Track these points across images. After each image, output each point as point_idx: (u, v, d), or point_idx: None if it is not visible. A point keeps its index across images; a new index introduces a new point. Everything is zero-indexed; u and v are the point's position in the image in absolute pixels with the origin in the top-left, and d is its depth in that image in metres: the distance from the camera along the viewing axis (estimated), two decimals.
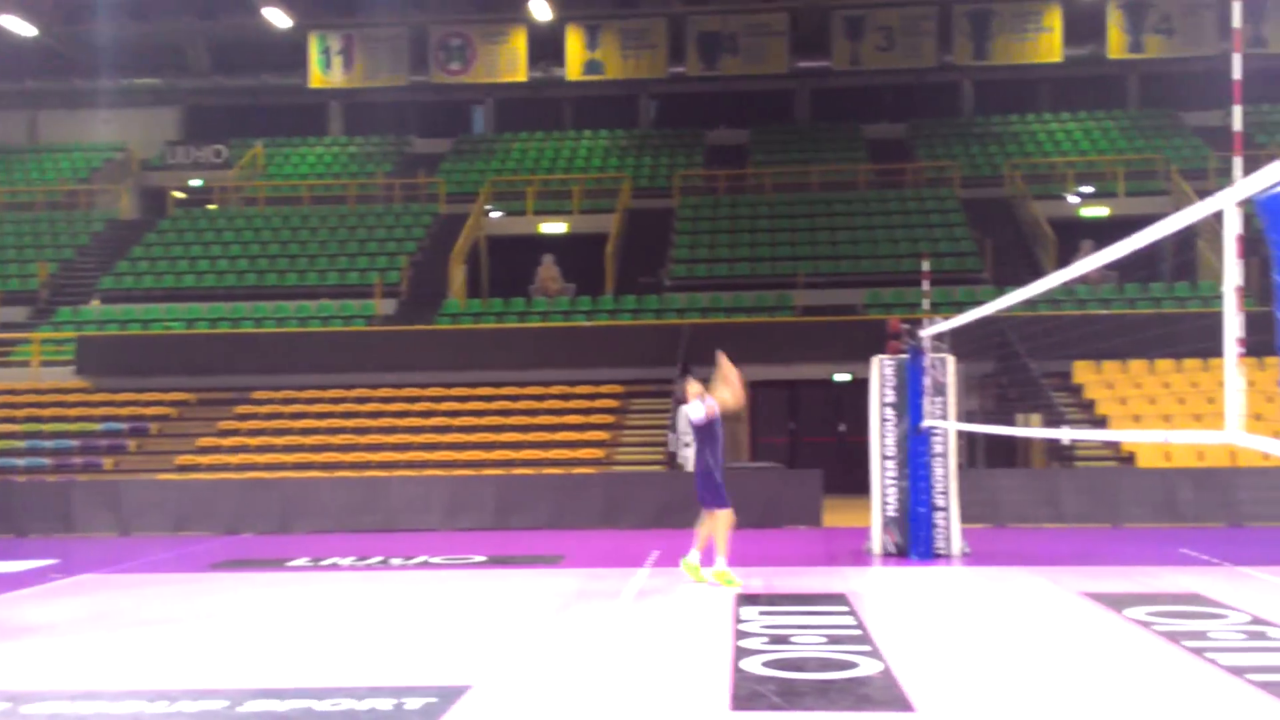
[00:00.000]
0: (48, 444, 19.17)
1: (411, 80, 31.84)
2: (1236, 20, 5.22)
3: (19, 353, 22.75)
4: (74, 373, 21.68)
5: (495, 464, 18.21)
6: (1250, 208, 4.76)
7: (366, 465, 18.24)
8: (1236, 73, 5.11)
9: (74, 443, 19.27)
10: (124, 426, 19.72)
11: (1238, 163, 5.13)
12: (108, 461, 18.92)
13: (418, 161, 32.26)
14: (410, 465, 18.16)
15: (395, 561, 13.11)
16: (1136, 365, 19.38)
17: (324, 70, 31.88)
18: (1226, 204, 5.10)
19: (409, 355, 21.35)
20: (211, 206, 29.95)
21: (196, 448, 18.96)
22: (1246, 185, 4.79)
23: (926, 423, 12.56)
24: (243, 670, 7.85)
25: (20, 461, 18.74)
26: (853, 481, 19.98)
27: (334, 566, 12.92)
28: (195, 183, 31.42)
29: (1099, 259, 7.64)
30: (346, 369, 21.17)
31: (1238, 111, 5.16)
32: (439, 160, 32.01)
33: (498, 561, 13.13)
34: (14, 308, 24.99)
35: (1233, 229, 5.14)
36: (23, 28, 29.34)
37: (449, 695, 6.88)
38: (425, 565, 12.92)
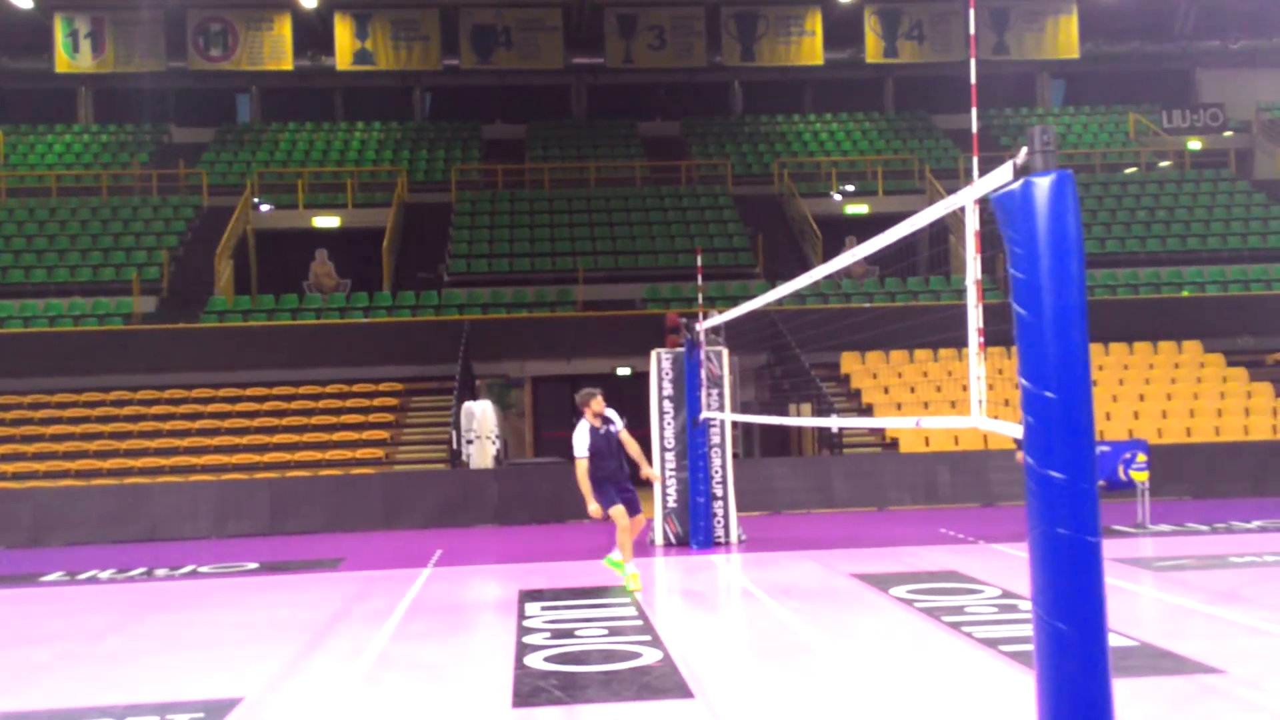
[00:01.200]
0: None
1: (169, 66, 30.29)
2: (972, 26, 5.58)
3: None
4: None
5: (268, 466, 17.57)
6: (989, 206, 5.08)
7: (127, 472, 17.27)
8: (973, 76, 5.46)
9: None
10: None
11: (975, 163, 5.46)
12: None
13: (177, 151, 30.71)
14: (175, 470, 17.32)
15: (160, 572, 12.49)
16: (897, 355, 20.43)
17: (72, 54, 29.96)
18: (966, 201, 5.43)
19: (172, 355, 20.34)
20: None
21: None
22: (983, 184, 5.12)
23: (704, 414, 12.89)
24: None
25: None
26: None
27: (93, 580, 12.19)
28: None
29: (858, 253, 8.01)
30: (102, 370, 20.00)
31: (974, 114, 5.51)
32: (201, 150, 30.57)
33: (272, 568, 12.69)
34: None
35: (972, 226, 5.48)
36: None
37: (218, 710, 6.62)
38: (194, 575, 12.35)
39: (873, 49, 32.06)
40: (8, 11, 28.88)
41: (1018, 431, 5.00)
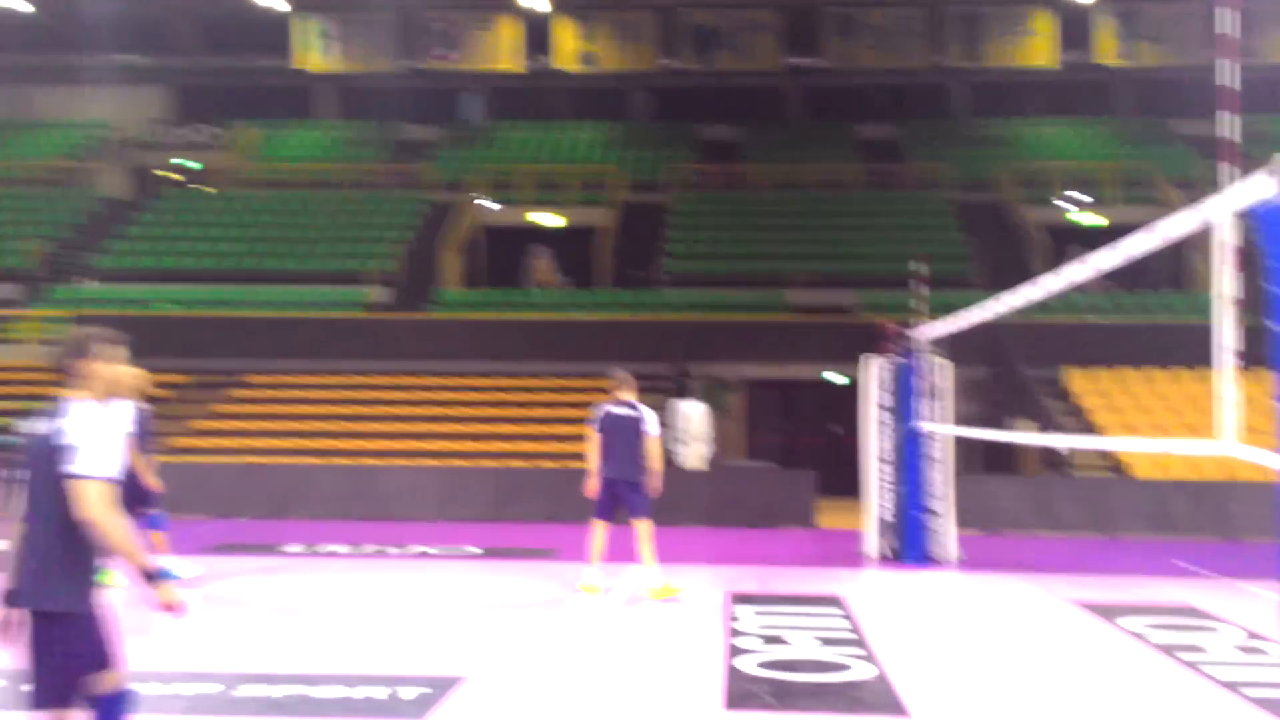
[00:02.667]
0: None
1: (401, 66, 31.73)
2: (1222, 25, 5.28)
3: (15, 330, 22.64)
4: None
5: (490, 455, 18.23)
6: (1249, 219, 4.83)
7: (361, 453, 18.24)
8: (1223, 78, 5.16)
9: None
10: None
11: (1224, 170, 5.17)
12: None
13: (409, 148, 32.16)
14: (404, 454, 18.18)
15: (391, 551, 13.17)
16: (1130, 374, 19.50)
17: (310, 53, 31.70)
18: (1219, 214, 5.15)
19: (403, 343, 21.35)
20: (207, 189, 29.79)
21: (191, 430, 18.93)
22: (1237, 196, 4.85)
23: (923, 426, 12.66)
24: (237, 654, 7.90)
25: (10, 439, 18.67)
26: (847, 483, 20.13)
27: (330, 554, 12.96)
28: (188, 163, 31.29)
29: (1091, 267, 7.71)
30: (341, 355, 21.16)
31: (1226, 118, 5.20)
32: (431, 147, 31.93)
33: (493, 554, 13.19)
34: (9, 284, 24.86)
35: (1224, 240, 5.19)
36: (20, 3, 29.15)
37: (442, 686, 6.95)
38: (422, 556, 12.97)
39: (1106, 50, 30.62)
40: (257, 12, 30.84)
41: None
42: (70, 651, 4.18)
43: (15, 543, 4.30)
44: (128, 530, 4.21)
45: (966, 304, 21.75)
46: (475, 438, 18.69)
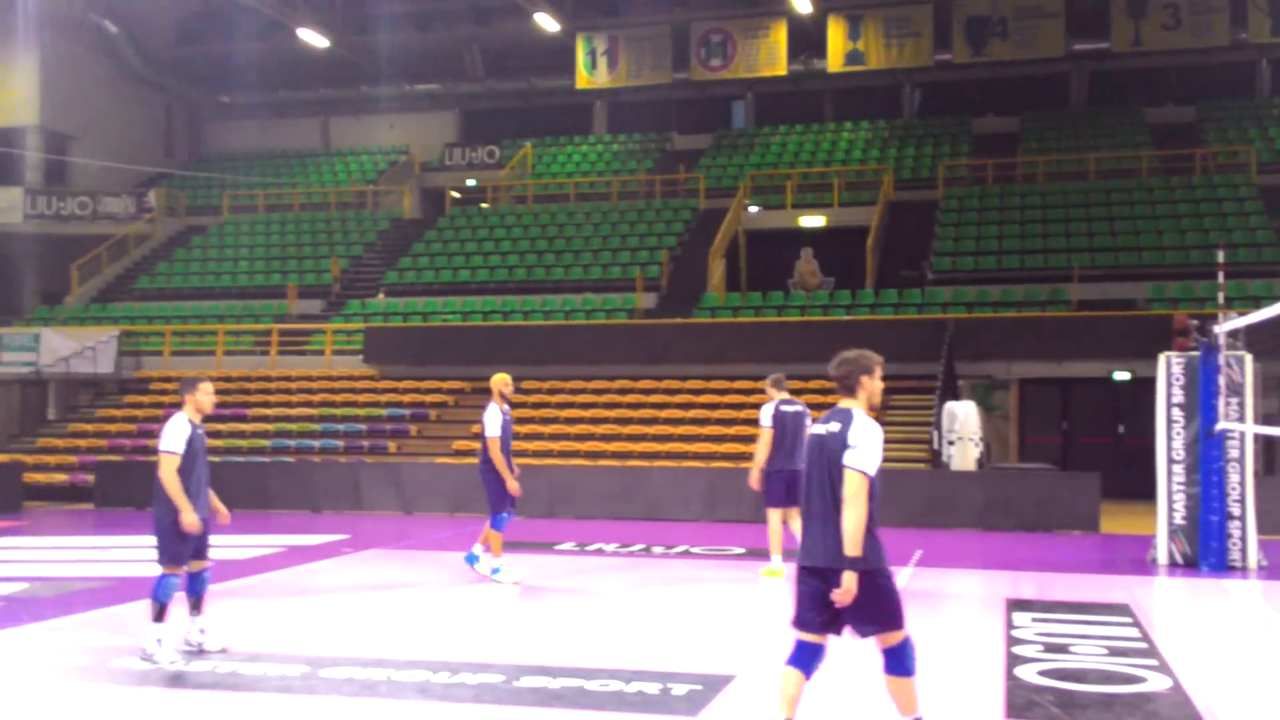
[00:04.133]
0: (339, 427, 20.59)
1: (673, 78, 32.29)
2: None
3: (315, 342, 24.53)
4: (362, 361, 23.19)
5: (752, 457, 18.17)
6: None
7: (628, 455, 18.63)
8: None
9: (362, 426, 20.63)
10: (406, 412, 20.94)
11: None
12: (392, 445, 20.14)
13: (678, 157, 32.70)
14: (670, 456, 18.43)
15: (657, 549, 13.35)
16: None
17: (589, 71, 32.78)
18: None
19: (668, 348, 21.66)
20: (484, 205, 31.33)
21: (472, 434, 19.87)
22: None
23: (1221, 425, 11.70)
24: (517, 646, 8.18)
25: (316, 443, 20.22)
26: (1131, 485, 18.91)
27: (599, 551, 13.28)
28: (470, 182, 33.00)
29: None
30: (609, 360, 21.69)
31: None
32: (699, 156, 32.33)
33: (756, 554, 13.12)
34: (310, 300, 26.97)
35: None
36: (318, 40, 31.62)
37: (714, 684, 6.96)
38: (686, 555, 13.09)
39: None
40: (537, 35, 32.20)
41: None
42: (863, 601, 5.28)
43: (804, 509, 5.51)
44: (862, 520, 5.20)
45: (1273, 294, 20.11)
46: (738, 440, 18.71)
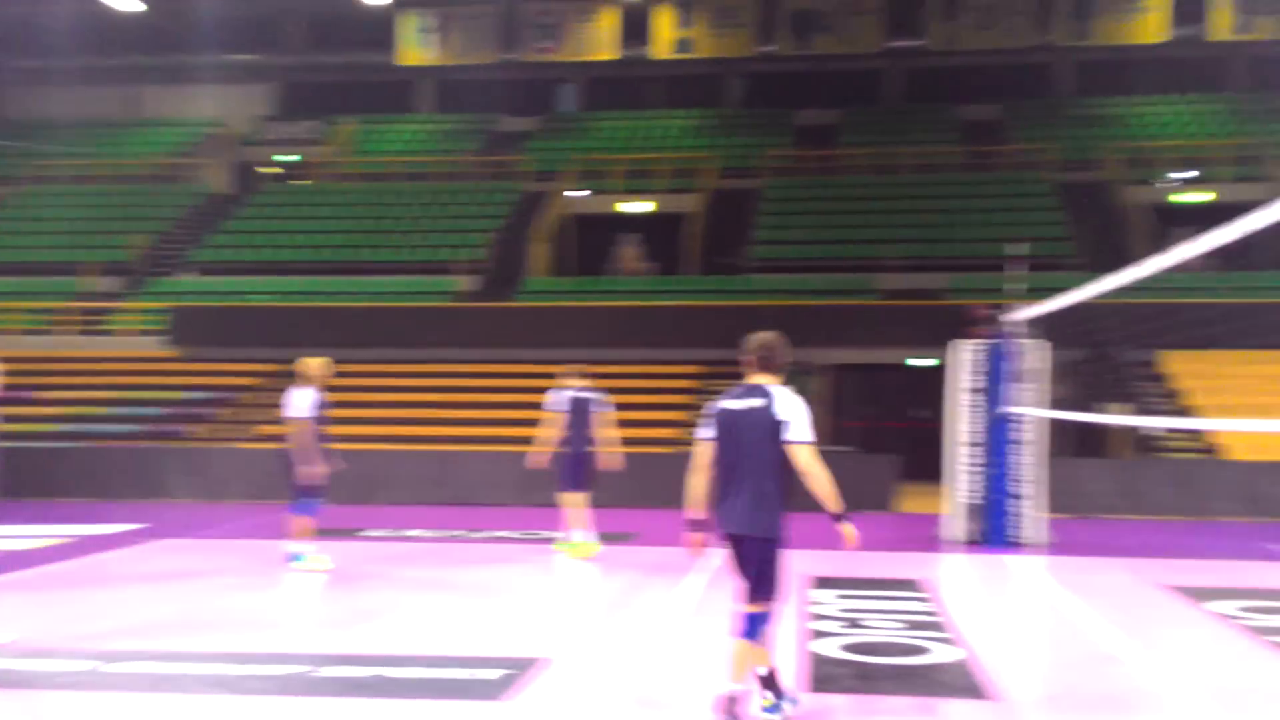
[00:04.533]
0: (139, 411, 19.70)
1: (501, 58, 31.99)
2: None
3: (115, 322, 23.40)
4: (167, 342, 22.25)
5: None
6: None
7: (447, 440, 18.43)
8: None
9: (164, 410, 19.80)
10: (213, 396, 20.20)
11: None
12: (197, 430, 19.40)
13: (505, 139, 32.45)
14: (490, 440, 18.32)
15: (471, 535, 13.25)
16: (1227, 355, 18.77)
17: (415, 48, 32.17)
18: None
19: (491, 332, 21.52)
20: (304, 182, 30.42)
21: (280, 418, 19.32)
22: None
23: (1011, 409, 12.32)
24: (320, 636, 8.01)
25: (112, 428, 19.30)
26: (932, 468, 19.75)
27: (412, 538, 13.11)
28: (289, 158, 31.99)
29: (1198, 247, 7.44)
30: (429, 344, 21.41)
31: None
32: (526, 138, 32.16)
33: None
34: (112, 278, 25.71)
35: None
36: (129, 3, 30.04)
37: (525, 666, 6.95)
38: (500, 540, 13.04)
39: (1222, 25, 29.50)
40: (362, 9, 31.38)
41: None
42: (761, 568, 5.65)
43: (718, 481, 5.73)
44: (829, 479, 5.61)
45: (1066, 286, 21.22)
46: None
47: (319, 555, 10.71)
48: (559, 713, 6.13)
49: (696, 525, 5.82)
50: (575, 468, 11.63)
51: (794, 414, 5.66)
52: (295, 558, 10.66)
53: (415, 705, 6.23)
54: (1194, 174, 26.37)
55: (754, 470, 5.64)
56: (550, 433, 11.64)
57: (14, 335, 22.71)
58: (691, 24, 31.24)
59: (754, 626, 5.71)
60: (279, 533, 11.39)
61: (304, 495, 10.59)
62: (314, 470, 10.52)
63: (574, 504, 11.69)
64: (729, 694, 5.67)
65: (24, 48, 33.65)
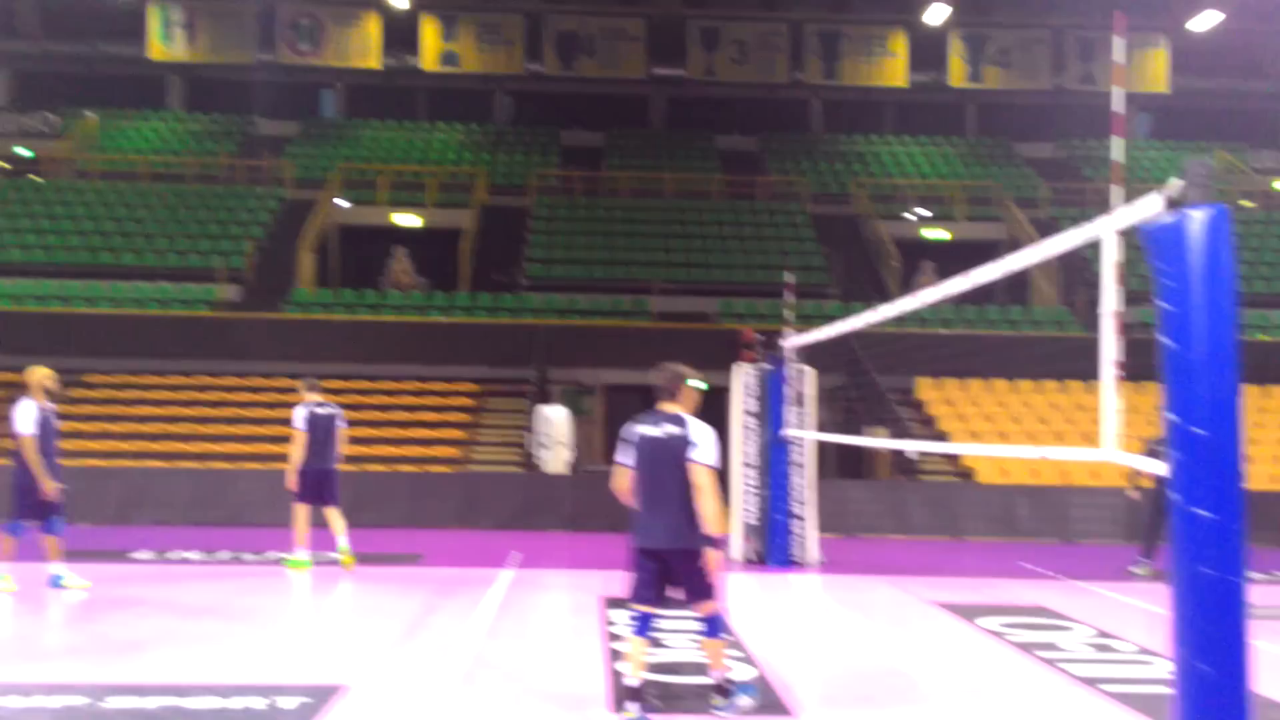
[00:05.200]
0: None
1: (258, 59, 30.85)
2: (1119, 55, 5.57)
3: None
4: None
5: (347, 459, 17.74)
6: (1134, 236, 5.05)
7: (211, 456, 17.58)
8: (1117, 105, 5.43)
9: None
10: None
11: (1118, 192, 5.44)
12: None
13: (262, 143, 31.27)
14: (257, 458, 17.58)
15: (247, 557, 12.71)
16: (975, 384, 20.27)
17: (165, 42, 30.61)
18: (1106, 232, 5.38)
19: (255, 343, 20.69)
20: (34, 178, 28.29)
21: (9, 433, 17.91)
22: (1126, 214, 5.10)
23: (789, 432, 12.88)
24: (99, 665, 7.49)
25: None
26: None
27: (182, 561, 12.44)
28: (22, 152, 29.70)
29: (958, 284, 8.04)
30: (187, 355, 20.38)
31: (1118, 142, 5.48)
32: (285, 143, 31.10)
33: (357, 558, 12.83)
34: None
35: (1111, 257, 5.42)
36: None
37: (323, 695, 6.72)
38: (279, 562, 12.54)
39: (957, 73, 31.90)
40: None
41: (1155, 468, 4.97)
42: (694, 577, 6.23)
43: (640, 498, 6.29)
44: (719, 504, 6.18)
45: (823, 313, 22.35)
46: None
47: (76, 577, 10.05)
48: None
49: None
50: (315, 482, 11.80)
51: (704, 439, 6.21)
52: (56, 580, 9.95)
53: None
54: (928, 214, 28.30)
55: (678, 491, 6.16)
56: (298, 450, 11.74)
57: None
58: (456, 37, 31.09)
59: (715, 626, 6.43)
60: (36, 555, 10.56)
61: (49, 513, 9.91)
62: (45, 487, 9.86)
63: (304, 517, 11.86)
64: (634, 685, 6.29)
65: None
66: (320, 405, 12.02)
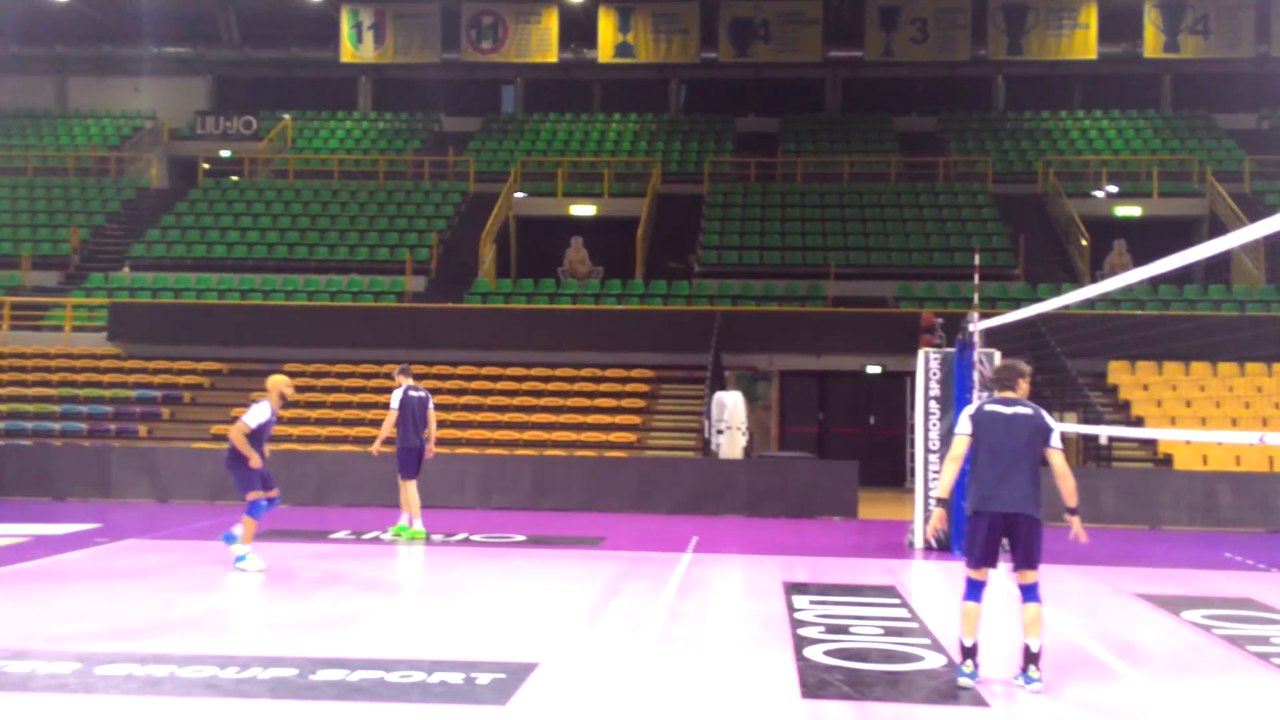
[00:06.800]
0: (83, 409, 19.22)
1: (442, 58, 31.77)
2: None
3: (52, 317, 22.80)
4: (106, 339, 21.72)
5: (528, 444, 18.23)
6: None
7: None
8: None
9: (109, 409, 19.34)
10: (158, 394, 19.77)
11: None
12: (142, 428, 18.98)
13: (446, 139, 32.22)
14: (443, 443, 18.15)
15: (436, 537, 13.14)
16: (1171, 367, 19.33)
17: (355, 45, 31.82)
18: None
19: (440, 332, 21.35)
20: (235, 179, 29.87)
21: (230, 418, 18.95)
22: None
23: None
24: (307, 639, 7.88)
25: (56, 425, 18.81)
26: (883, 473, 20.04)
27: (376, 540, 12.96)
28: (225, 153, 31.41)
29: (1153, 269, 7.71)
30: (378, 344, 21.17)
31: None
32: (468, 139, 31.96)
33: (538, 542, 13.16)
34: (46, 272, 25.03)
35: None
36: None
37: (518, 672, 6.91)
38: (467, 543, 12.95)
39: (1152, 43, 30.37)
40: (298, 3, 30.94)
41: None
42: (1031, 544, 6.82)
43: (990, 470, 6.89)
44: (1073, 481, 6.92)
45: (1007, 295, 21.70)
46: (512, 426, 18.69)
47: (255, 557, 10.65)
48: (563, 717, 6.12)
49: (941, 504, 7.14)
50: (416, 459, 13.01)
51: (1055, 425, 6.95)
52: (238, 558, 10.59)
53: (416, 710, 6.15)
54: (1115, 189, 27.07)
55: (1029, 464, 6.81)
56: (388, 427, 13.00)
57: None
58: (631, 29, 31.32)
59: (1036, 593, 6.82)
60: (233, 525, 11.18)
61: (246, 491, 10.63)
62: (253, 461, 10.59)
63: (413, 491, 12.95)
64: (971, 645, 6.86)
65: None
66: (413, 389, 13.12)
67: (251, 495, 10.59)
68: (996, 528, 6.86)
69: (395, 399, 13.05)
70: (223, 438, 18.14)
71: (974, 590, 6.93)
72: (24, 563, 10.84)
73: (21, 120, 33.12)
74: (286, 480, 16.42)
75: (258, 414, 10.69)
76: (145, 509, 15.82)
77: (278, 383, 10.98)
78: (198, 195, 28.15)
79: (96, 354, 21.39)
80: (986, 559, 6.91)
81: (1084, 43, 30.47)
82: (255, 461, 10.57)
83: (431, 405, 13.32)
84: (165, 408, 19.54)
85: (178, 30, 32.64)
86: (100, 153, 31.00)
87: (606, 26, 31.44)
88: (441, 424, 18.69)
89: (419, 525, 12.89)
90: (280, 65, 34.05)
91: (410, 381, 13.21)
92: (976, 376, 12.65)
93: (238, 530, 10.78)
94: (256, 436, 10.67)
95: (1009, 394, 7.07)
